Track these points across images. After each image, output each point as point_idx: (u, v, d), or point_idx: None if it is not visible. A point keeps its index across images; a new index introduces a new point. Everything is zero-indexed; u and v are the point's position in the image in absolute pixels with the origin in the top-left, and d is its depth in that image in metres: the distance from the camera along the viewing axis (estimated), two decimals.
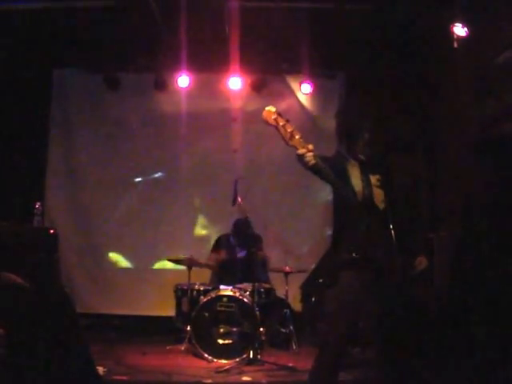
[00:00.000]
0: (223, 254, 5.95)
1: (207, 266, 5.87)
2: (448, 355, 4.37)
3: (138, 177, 7.07)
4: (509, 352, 3.84)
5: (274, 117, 2.90)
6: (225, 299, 5.05)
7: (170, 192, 7.00)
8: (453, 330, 4.46)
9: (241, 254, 5.90)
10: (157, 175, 7.08)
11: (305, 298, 5.96)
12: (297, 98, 7.00)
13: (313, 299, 5.79)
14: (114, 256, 6.95)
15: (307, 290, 6.04)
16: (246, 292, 5.20)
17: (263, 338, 5.17)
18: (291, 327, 5.47)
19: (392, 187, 3.17)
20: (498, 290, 4.25)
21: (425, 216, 2.80)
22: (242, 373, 4.55)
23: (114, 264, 6.92)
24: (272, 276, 5.97)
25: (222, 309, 5.02)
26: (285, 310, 5.54)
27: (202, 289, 5.39)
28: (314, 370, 3.09)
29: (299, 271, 5.74)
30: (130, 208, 7.01)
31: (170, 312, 5.61)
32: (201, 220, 6.94)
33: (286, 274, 5.58)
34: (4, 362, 2.63)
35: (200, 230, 6.80)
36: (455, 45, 5.35)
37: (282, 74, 6.93)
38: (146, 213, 6.97)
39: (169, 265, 5.83)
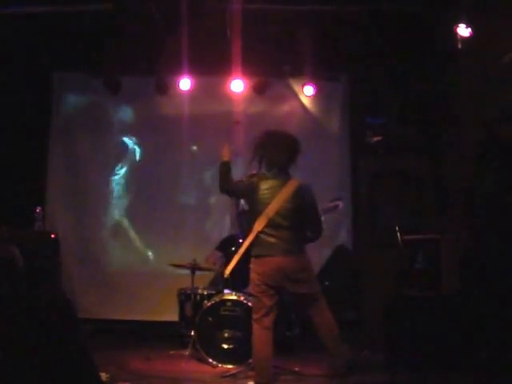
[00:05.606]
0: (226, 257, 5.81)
1: (211, 269, 5.78)
2: (457, 356, 4.33)
3: (139, 180, 7.01)
4: None
5: None
6: (229, 303, 4.98)
7: (171, 196, 6.94)
8: (464, 331, 4.41)
9: None
10: (158, 178, 7.02)
11: None
12: (299, 100, 6.94)
13: None
14: (116, 261, 6.88)
15: None
16: (250, 296, 5.13)
17: None
18: (297, 331, 5.40)
19: None
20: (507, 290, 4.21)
21: None
22: (247, 378, 4.47)
23: (116, 269, 6.85)
24: None
25: (226, 313, 4.95)
26: (291, 314, 5.48)
27: (205, 293, 5.31)
28: None
29: None
30: (131, 212, 6.95)
31: (174, 317, 5.54)
32: (204, 224, 6.89)
33: None
34: (4, 365, 2.57)
35: (203, 234, 6.74)
36: (459, 45, 5.33)
37: (285, 77, 6.87)
38: (147, 217, 6.91)
39: (172, 269, 5.77)
